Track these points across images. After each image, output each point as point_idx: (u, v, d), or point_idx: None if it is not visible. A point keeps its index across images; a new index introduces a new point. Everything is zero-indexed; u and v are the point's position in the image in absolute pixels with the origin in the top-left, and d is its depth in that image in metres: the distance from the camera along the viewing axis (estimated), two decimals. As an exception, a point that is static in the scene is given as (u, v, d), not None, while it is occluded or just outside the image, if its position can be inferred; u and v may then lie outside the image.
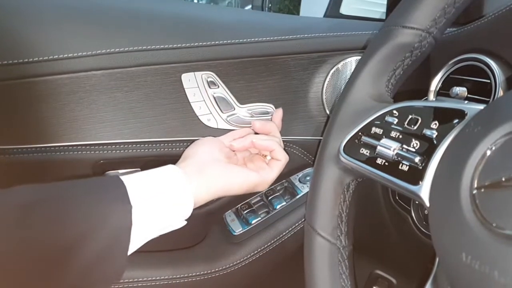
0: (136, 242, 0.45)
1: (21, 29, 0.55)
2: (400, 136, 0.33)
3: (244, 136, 0.63)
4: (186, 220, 0.51)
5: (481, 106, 0.30)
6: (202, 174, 0.53)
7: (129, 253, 0.44)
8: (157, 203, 0.47)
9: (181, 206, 0.49)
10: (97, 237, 0.41)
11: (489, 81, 0.53)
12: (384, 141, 0.33)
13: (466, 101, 0.33)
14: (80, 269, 0.41)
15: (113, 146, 0.62)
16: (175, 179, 0.50)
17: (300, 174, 0.71)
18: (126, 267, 0.43)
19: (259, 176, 0.57)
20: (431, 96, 0.59)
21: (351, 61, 0.67)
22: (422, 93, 0.62)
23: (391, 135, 0.33)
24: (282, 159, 0.61)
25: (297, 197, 0.68)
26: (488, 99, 0.53)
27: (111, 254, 0.42)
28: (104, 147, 0.61)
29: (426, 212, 0.60)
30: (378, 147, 0.33)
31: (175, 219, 0.50)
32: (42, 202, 0.41)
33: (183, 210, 0.50)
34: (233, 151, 0.62)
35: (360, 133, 0.35)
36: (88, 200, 0.43)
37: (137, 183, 0.47)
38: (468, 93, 0.55)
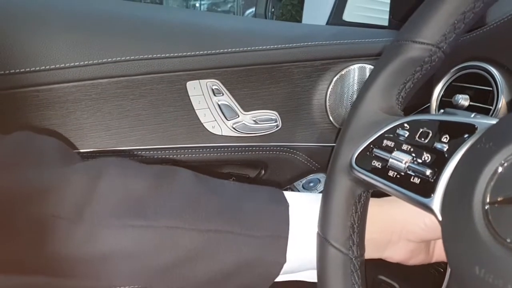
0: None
1: (27, 38, 0.55)
2: (412, 149, 0.33)
3: None
4: None
5: (492, 121, 0.30)
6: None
7: None
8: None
9: None
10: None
11: (491, 89, 0.53)
12: (396, 153, 0.34)
13: (474, 114, 0.33)
14: None
15: (119, 154, 0.62)
16: None
17: (304, 180, 0.72)
18: None
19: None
20: (434, 104, 0.60)
21: (354, 69, 0.67)
22: (425, 100, 0.62)
23: (402, 148, 0.34)
24: None
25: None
26: (490, 107, 0.54)
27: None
28: (110, 154, 0.62)
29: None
30: (390, 160, 0.34)
31: None
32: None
33: None
34: None
35: (371, 146, 0.36)
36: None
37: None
38: (471, 100, 0.55)
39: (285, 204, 0.42)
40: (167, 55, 0.60)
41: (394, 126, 0.35)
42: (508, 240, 0.24)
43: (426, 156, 0.32)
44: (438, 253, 0.47)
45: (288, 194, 0.44)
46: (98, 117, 0.60)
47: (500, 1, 0.59)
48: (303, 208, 0.43)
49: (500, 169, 0.26)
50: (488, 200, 0.26)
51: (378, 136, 0.36)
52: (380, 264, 0.56)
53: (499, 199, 0.25)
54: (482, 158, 0.27)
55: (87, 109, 0.59)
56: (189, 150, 0.65)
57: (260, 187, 0.46)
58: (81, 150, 0.60)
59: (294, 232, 0.41)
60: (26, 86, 0.55)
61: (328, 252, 0.37)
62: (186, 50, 0.60)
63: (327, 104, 0.69)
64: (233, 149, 0.67)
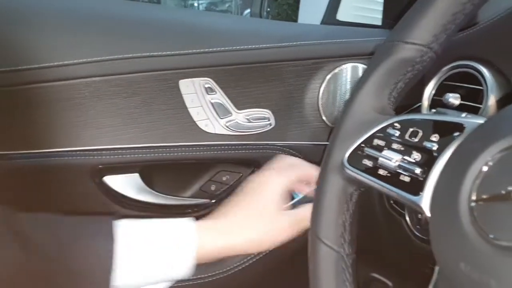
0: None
1: (20, 36, 0.55)
2: (402, 148, 0.34)
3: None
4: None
5: (480, 120, 0.31)
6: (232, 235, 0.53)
7: None
8: (146, 254, 0.47)
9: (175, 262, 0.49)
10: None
11: (481, 88, 0.54)
12: (386, 152, 0.34)
13: (464, 114, 0.34)
14: None
15: (111, 152, 0.62)
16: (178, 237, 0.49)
17: (296, 179, 0.72)
18: None
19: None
20: (425, 103, 0.60)
21: (347, 68, 0.68)
22: (416, 99, 0.63)
23: (392, 147, 0.34)
24: None
25: (293, 201, 0.69)
26: (481, 106, 0.54)
27: None
28: (103, 152, 0.62)
29: (419, 216, 0.61)
30: (380, 159, 0.35)
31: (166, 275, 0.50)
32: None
33: (176, 267, 0.50)
34: None
35: (363, 145, 0.36)
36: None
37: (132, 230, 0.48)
38: (462, 99, 0.56)
39: (112, 238, 0.45)
40: (160, 53, 0.60)
41: (385, 126, 0.35)
42: (492, 236, 0.25)
43: (416, 155, 0.33)
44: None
45: (119, 225, 0.47)
46: (91, 115, 0.60)
47: (490, 1, 0.60)
48: (131, 238, 0.47)
49: (485, 168, 0.27)
50: (474, 197, 0.27)
51: (370, 136, 0.36)
52: (373, 262, 0.57)
53: (484, 196, 0.26)
54: (469, 157, 0.28)
55: (80, 107, 0.59)
56: (182, 149, 0.65)
57: (93, 219, 0.49)
58: (74, 148, 0.60)
59: (120, 264, 0.44)
60: (19, 84, 0.55)
61: (320, 249, 0.37)
62: (179, 49, 0.61)
63: (320, 103, 0.69)
64: (226, 147, 0.67)
